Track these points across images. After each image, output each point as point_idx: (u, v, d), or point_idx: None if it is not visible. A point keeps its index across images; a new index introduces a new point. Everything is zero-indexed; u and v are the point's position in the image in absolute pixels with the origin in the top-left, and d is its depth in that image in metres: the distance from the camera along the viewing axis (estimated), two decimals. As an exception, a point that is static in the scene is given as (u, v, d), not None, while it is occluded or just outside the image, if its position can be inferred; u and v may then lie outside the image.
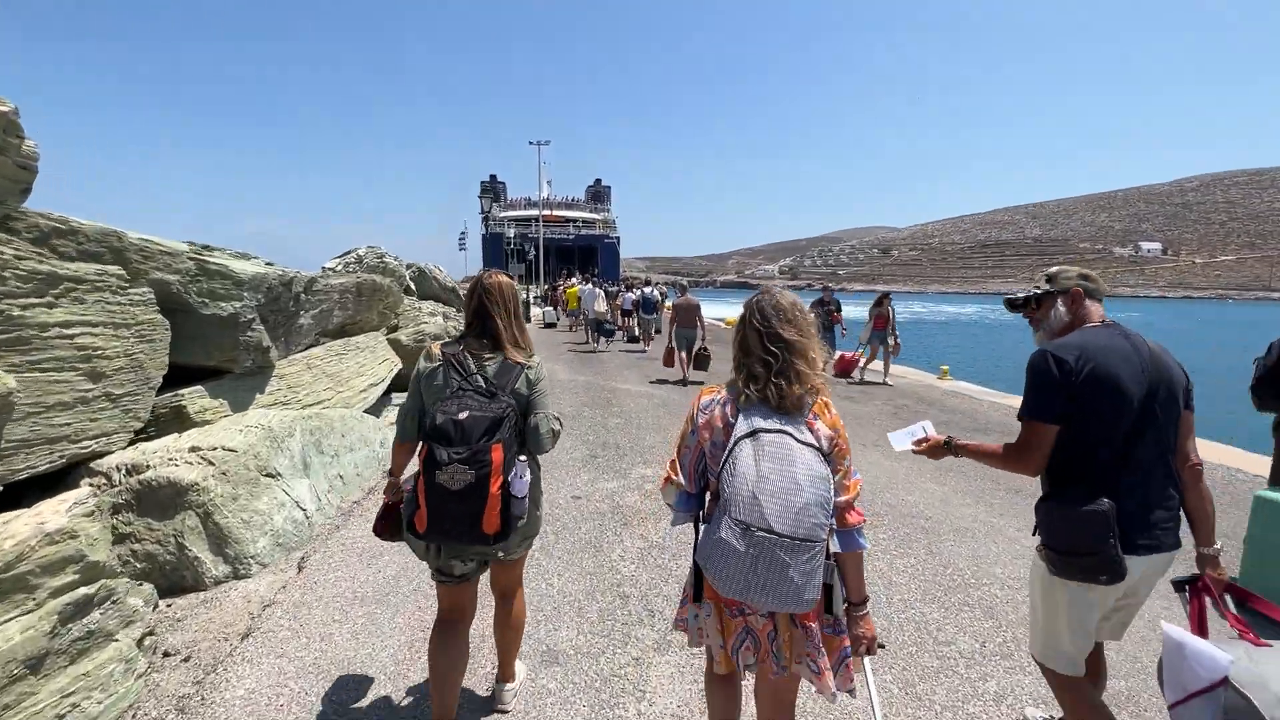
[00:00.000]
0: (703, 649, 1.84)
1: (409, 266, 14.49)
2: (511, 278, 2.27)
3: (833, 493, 1.50)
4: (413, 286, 13.88)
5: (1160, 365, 1.80)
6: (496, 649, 2.42)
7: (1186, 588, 1.82)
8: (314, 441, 4.56)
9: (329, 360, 6.50)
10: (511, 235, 48.35)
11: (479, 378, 2.03)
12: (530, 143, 33.74)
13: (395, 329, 10.47)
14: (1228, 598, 1.77)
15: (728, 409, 1.63)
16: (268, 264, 7.47)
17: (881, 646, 1.85)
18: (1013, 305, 2.10)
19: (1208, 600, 1.77)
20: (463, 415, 1.88)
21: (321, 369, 6.27)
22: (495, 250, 44.65)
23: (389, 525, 2.18)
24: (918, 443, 2.09)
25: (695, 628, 1.74)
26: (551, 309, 23.80)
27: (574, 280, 25.16)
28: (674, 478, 1.70)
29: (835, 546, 1.59)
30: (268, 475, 3.91)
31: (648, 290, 15.76)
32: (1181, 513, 1.84)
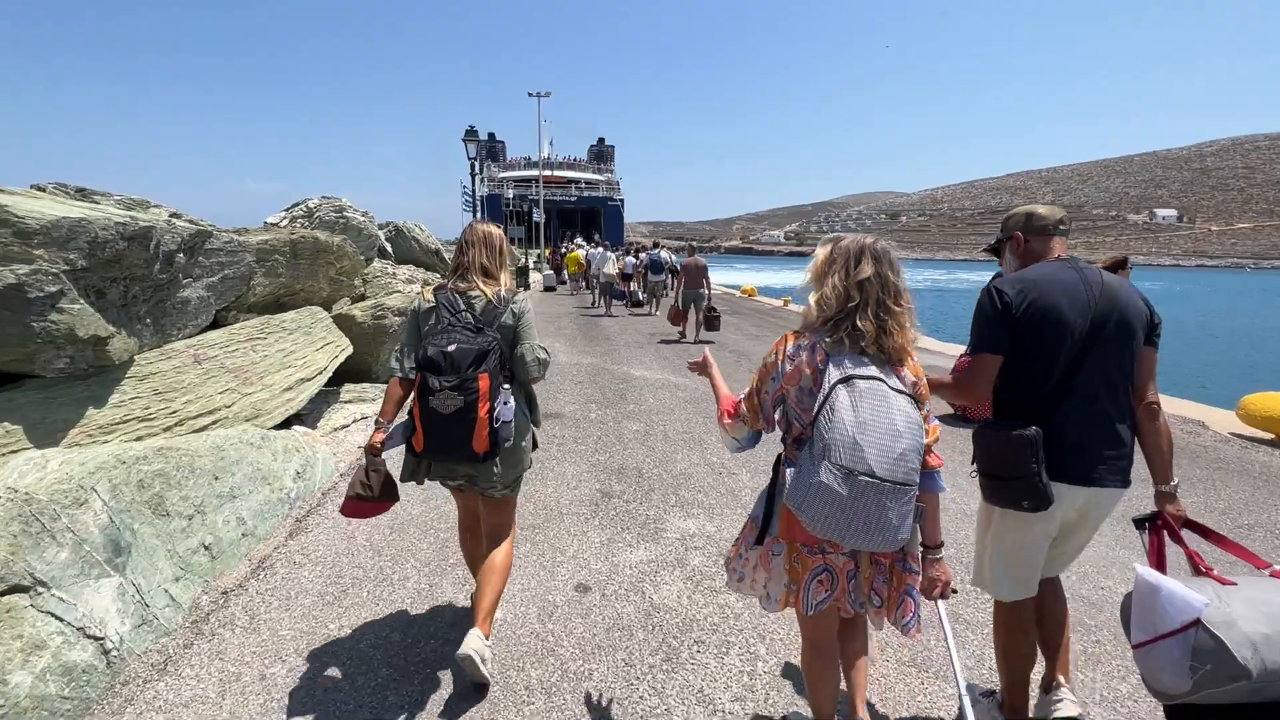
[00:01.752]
0: (741, 594, 1.84)
1: (384, 225, 12.46)
2: (500, 230, 2.40)
3: (924, 437, 1.52)
4: (388, 248, 11.90)
5: (1112, 298, 1.76)
6: (477, 590, 2.32)
7: (1146, 525, 1.79)
8: (146, 500, 2.73)
9: (235, 348, 4.62)
10: (511, 196, 46.23)
11: (467, 315, 2.20)
12: (529, 94, 30.69)
13: (361, 299, 8.58)
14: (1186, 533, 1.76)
15: (815, 355, 1.59)
16: (156, 208, 5.53)
17: (954, 591, 1.73)
18: (990, 252, 2.12)
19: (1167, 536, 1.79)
20: (451, 348, 2.07)
21: (219, 361, 4.40)
22: (494, 211, 42.41)
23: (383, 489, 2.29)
24: None
25: (740, 575, 1.77)
26: (553, 273, 22.49)
27: (577, 243, 23.41)
28: (749, 420, 1.71)
29: None
30: (11, 591, 2.09)
31: (654, 252, 15.37)
32: (1135, 450, 1.82)
